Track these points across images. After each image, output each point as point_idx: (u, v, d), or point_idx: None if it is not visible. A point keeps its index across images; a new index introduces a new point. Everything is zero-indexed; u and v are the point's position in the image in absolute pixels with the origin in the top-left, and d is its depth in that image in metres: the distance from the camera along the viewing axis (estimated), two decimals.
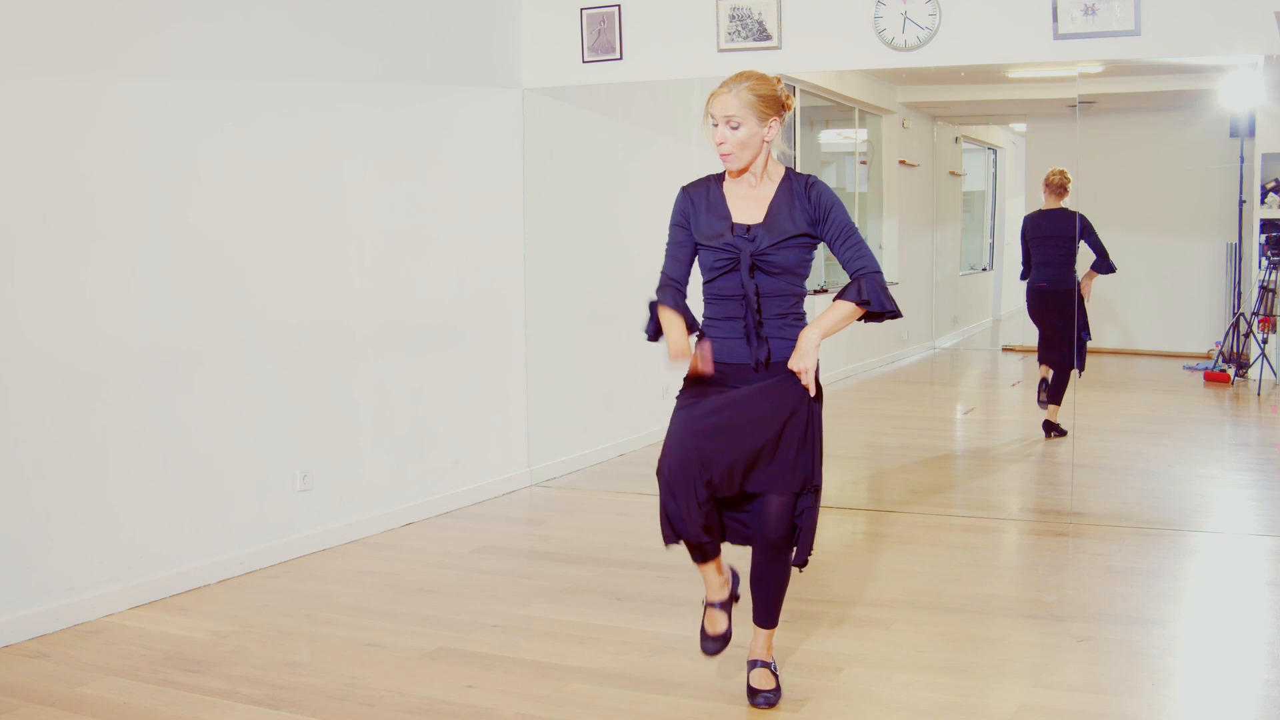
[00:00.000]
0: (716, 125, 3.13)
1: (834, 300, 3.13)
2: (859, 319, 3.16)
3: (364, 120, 5.11)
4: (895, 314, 3.11)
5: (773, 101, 3.12)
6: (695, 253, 3.26)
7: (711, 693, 3.40)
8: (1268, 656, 3.65)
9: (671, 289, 3.25)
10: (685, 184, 3.29)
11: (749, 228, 3.15)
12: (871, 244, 7.80)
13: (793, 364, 3.08)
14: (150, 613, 4.14)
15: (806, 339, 3.08)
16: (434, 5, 5.45)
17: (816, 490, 3.21)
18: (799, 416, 3.15)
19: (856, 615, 4.06)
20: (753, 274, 3.13)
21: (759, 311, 3.14)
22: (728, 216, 3.18)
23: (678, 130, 6.90)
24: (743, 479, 3.15)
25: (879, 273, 3.12)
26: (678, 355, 3.13)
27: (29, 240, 3.85)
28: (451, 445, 5.67)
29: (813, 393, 3.13)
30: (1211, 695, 3.38)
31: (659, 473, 3.14)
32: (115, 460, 4.13)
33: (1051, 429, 6.82)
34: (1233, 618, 4.05)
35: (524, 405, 6.12)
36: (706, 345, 3.18)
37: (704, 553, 3.26)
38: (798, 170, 3.26)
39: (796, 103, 3.21)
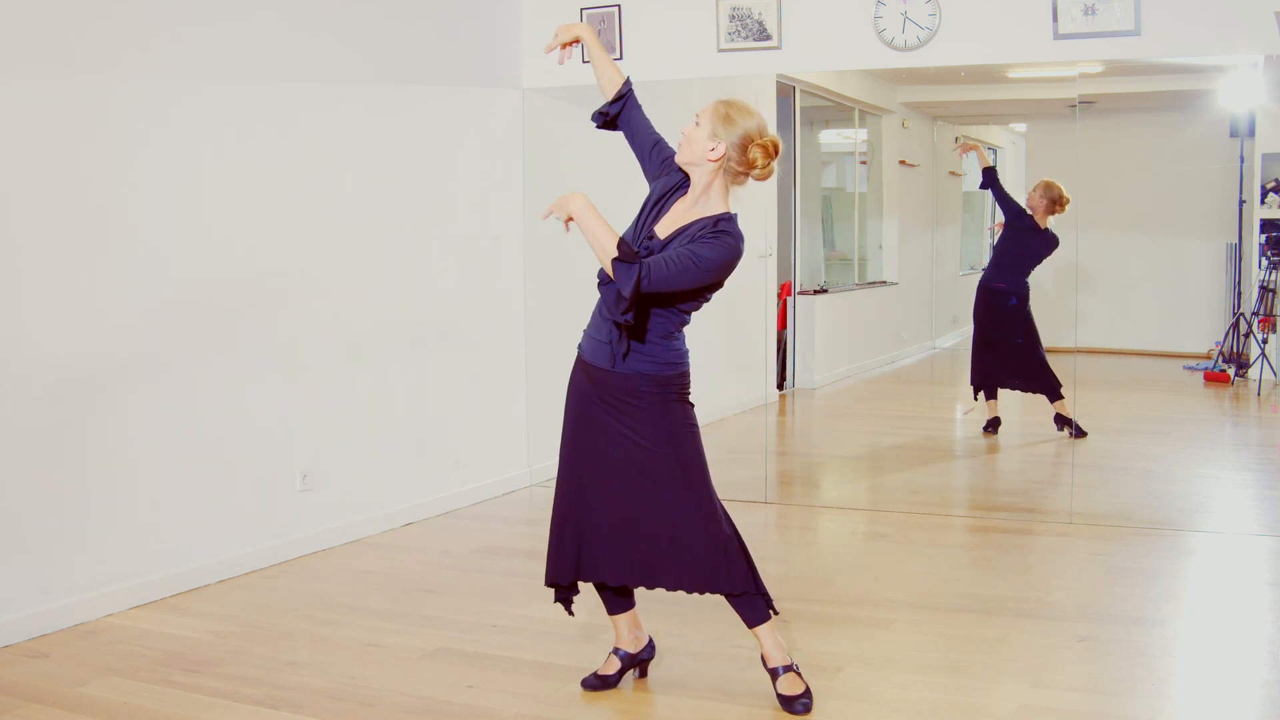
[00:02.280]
0: None
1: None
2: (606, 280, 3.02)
3: (364, 120, 5.11)
4: (625, 313, 2.95)
5: (732, 128, 3.08)
6: (641, 143, 3.39)
7: (712, 693, 3.40)
8: (1268, 656, 3.65)
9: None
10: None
11: (653, 236, 3.14)
12: (871, 244, 7.83)
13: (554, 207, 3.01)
14: (150, 613, 4.14)
15: (575, 198, 2.97)
16: (435, 6, 5.45)
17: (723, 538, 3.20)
18: (673, 490, 3.18)
19: (856, 615, 4.06)
20: None
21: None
22: (659, 217, 3.17)
23: (678, 131, 6.88)
24: (644, 567, 3.27)
25: (646, 275, 2.92)
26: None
27: (33, 239, 3.85)
28: (451, 445, 5.67)
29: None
30: (1211, 695, 3.38)
31: (554, 517, 3.36)
32: (116, 459, 4.13)
33: (1065, 423, 6.68)
34: (1233, 618, 4.05)
35: (524, 405, 6.12)
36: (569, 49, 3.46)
37: (608, 605, 3.47)
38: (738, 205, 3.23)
39: (780, 166, 3.19)
